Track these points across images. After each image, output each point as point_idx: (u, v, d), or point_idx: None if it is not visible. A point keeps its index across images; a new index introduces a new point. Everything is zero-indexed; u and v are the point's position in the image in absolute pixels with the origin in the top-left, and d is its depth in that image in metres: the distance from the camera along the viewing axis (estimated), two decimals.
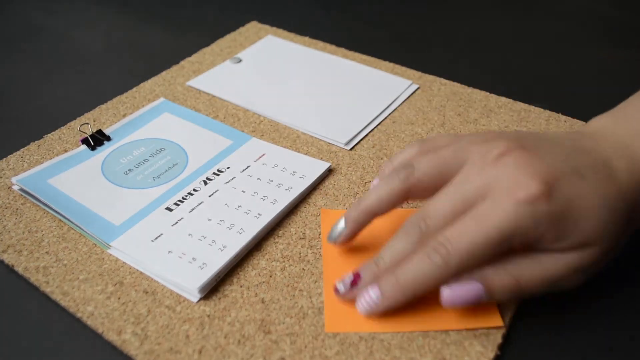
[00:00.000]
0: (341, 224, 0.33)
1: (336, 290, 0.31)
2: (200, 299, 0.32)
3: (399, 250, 0.30)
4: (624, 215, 0.28)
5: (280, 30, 0.62)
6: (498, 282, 0.28)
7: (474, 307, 0.31)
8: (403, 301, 0.29)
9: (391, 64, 0.56)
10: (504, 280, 0.28)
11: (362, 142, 0.45)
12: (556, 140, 0.31)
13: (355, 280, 0.31)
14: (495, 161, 0.29)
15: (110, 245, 0.35)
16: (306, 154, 0.43)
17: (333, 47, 0.58)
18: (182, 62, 0.55)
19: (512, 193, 0.27)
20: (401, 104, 0.50)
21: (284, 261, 0.35)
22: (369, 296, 0.30)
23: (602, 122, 0.33)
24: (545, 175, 0.27)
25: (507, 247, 0.28)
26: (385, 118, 0.48)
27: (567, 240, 0.28)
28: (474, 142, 0.31)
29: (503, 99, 0.50)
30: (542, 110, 0.49)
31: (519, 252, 0.29)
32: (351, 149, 0.44)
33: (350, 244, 0.35)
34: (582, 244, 0.28)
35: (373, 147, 0.45)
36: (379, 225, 0.37)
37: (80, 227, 0.36)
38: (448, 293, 0.28)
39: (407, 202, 0.39)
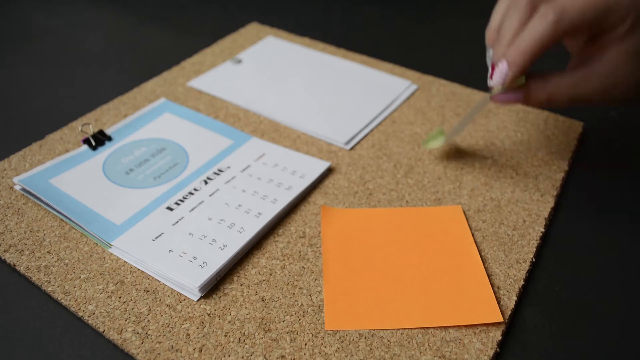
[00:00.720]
0: (504, 69, 0.35)
1: (490, 87, 0.36)
2: (201, 297, 0.32)
3: (513, 23, 0.34)
4: None
5: (281, 31, 0.62)
6: (535, 97, 0.35)
7: (474, 302, 0.31)
8: (526, 65, 0.34)
9: (391, 65, 0.56)
10: (541, 96, 0.35)
11: (362, 142, 0.45)
12: None
13: (493, 68, 0.36)
14: None
15: (111, 245, 0.35)
16: (306, 153, 0.44)
17: (333, 48, 0.59)
18: (183, 63, 0.56)
19: None
20: (401, 104, 0.50)
21: (284, 259, 0.35)
22: (499, 69, 0.35)
23: None
24: None
25: (605, 21, 0.32)
26: (385, 118, 0.48)
27: (630, 40, 0.32)
28: None
29: None
30: (540, 111, 0.49)
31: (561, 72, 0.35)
32: (351, 149, 0.44)
33: (351, 240, 0.35)
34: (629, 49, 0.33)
35: (373, 146, 0.45)
36: (378, 223, 0.37)
37: (81, 227, 0.36)
38: (498, 97, 0.36)
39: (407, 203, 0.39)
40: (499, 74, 0.35)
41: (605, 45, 0.34)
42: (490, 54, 0.38)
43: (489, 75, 0.37)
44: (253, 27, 0.63)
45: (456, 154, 0.44)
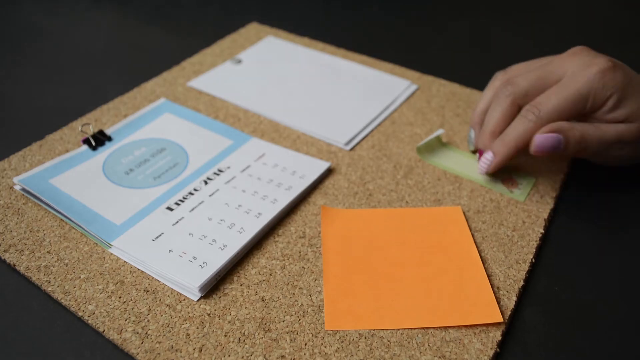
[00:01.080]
0: (489, 156, 0.40)
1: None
2: (201, 297, 0.32)
3: (495, 115, 0.39)
4: None
5: (281, 31, 0.62)
6: (571, 134, 0.37)
7: (474, 303, 0.31)
8: (509, 155, 0.38)
9: (390, 65, 0.56)
10: (576, 133, 0.37)
11: (361, 142, 0.45)
12: None
13: (481, 153, 0.40)
14: (573, 53, 0.38)
15: (111, 245, 0.35)
16: (306, 154, 0.44)
17: (333, 48, 0.59)
18: (183, 63, 0.56)
19: (589, 67, 0.36)
20: (401, 104, 0.50)
21: (284, 260, 0.35)
22: (485, 158, 0.40)
23: None
24: (612, 59, 0.37)
25: (583, 107, 0.37)
26: (385, 119, 0.48)
27: (622, 110, 0.36)
28: (552, 58, 0.40)
29: None
30: None
31: (586, 120, 0.38)
32: (351, 150, 0.44)
33: (350, 240, 0.35)
34: (630, 118, 0.37)
35: (372, 147, 0.45)
36: (378, 223, 0.37)
37: (81, 227, 0.36)
38: (538, 138, 0.37)
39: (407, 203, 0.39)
40: (484, 161, 0.40)
41: (601, 117, 0.37)
42: (472, 133, 0.43)
43: (477, 158, 0.42)
44: (253, 27, 0.63)
45: (455, 155, 0.44)
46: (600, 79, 0.36)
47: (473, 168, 0.42)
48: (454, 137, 0.46)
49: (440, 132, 0.44)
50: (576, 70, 0.37)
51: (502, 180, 0.41)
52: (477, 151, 0.42)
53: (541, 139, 0.37)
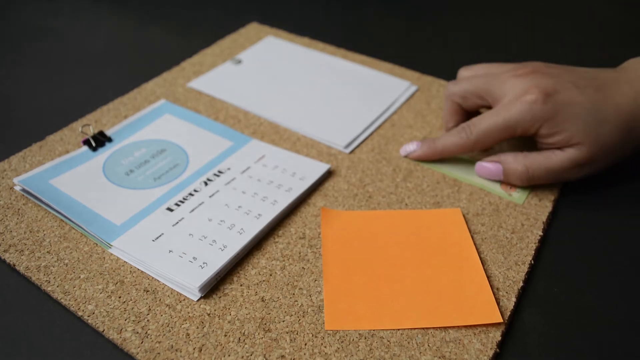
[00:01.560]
0: (413, 145, 0.43)
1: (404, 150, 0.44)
2: (201, 297, 0.32)
3: (444, 113, 0.45)
4: (618, 126, 0.37)
5: (281, 31, 0.62)
6: (512, 167, 0.39)
7: (474, 303, 0.31)
8: (430, 156, 0.42)
9: (390, 65, 0.56)
10: (518, 166, 0.39)
11: (361, 145, 0.45)
12: (577, 69, 0.40)
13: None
14: (520, 75, 0.39)
15: (111, 245, 0.35)
16: (306, 156, 0.44)
17: (333, 48, 0.59)
18: (183, 63, 0.56)
19: (522, 96, 0.37)
20: (401, 105, 0.50)
21: (284, 260, 0.35)
22: (413, 144, 0.43)
23: (633, 60, 0.41)
24: (546, 87, 0.37)
25: (512, 134, 0.39)
26: (385, 121, 0.48)
27: (559, 136, 0.37)
28: (506, 69, 0.41)
29: None
30: None
31: (537, 142, 0.39)
32: (351, 152, 0.44)
33: (351, 242, 0.35)
34: (571, 141, 0.37)
35: (372, 150, 0.45)
36: (377, 225, 0.37)
37: (81, 227, 0.36)
38: (479, 164, 0.41)
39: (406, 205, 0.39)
40: (409, 146, 0.43)
41: (544, 142, 0.39)
42: None
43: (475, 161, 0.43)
44: (253, 27, 0.63)
45: (455, 158, 0.44)
46: (529, 111, 0.37)
47: (472, 172, 0.42)
48: None
49: None
50: (512, 98, 0.38)
51: (501, 183, 0.41)
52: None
53: (480, 166, 0.41)
